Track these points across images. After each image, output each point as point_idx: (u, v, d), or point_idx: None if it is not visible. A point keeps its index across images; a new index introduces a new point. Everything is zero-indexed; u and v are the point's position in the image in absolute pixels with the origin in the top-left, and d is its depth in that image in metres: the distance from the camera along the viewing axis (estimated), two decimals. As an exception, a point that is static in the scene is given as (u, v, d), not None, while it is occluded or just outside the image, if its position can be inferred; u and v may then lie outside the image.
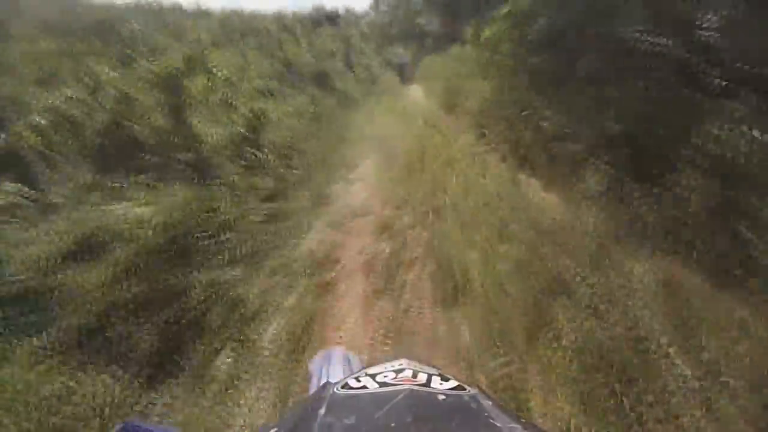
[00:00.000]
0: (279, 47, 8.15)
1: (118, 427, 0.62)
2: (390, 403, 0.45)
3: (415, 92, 8.57)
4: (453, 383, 0.51)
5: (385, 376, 0.53)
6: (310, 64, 7.82)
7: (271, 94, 5.94)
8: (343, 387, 0.52)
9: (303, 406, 0.51)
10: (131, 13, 7.20)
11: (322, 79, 7.51)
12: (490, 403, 0.47)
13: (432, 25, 13.46)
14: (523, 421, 0.46)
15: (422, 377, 0.53)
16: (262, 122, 4.72)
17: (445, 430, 0.41)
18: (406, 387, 0.49)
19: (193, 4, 9.65)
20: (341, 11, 14.46)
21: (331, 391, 0.50)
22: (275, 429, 0.46)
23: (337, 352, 1.30)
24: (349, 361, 1.23)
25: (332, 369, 1.15)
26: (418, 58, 11.40)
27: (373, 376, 0.53)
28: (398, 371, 0.55)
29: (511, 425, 0.43)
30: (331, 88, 7.48)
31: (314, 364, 1.26)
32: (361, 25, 14.91)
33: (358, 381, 0.53)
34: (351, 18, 15.30)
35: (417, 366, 0.59)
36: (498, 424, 0.42)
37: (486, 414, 0.44)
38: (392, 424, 0.41)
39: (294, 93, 6.36)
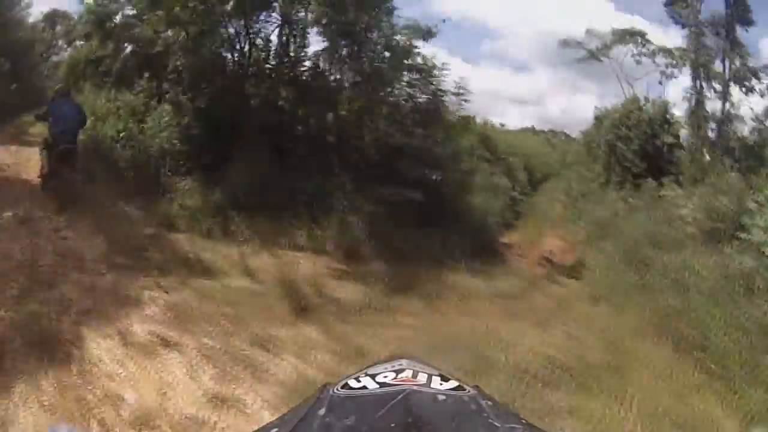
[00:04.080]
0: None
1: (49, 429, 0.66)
2: (390, 404, 0.45)
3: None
4: (453, 383, 0.52)
5: (385, 377, 0.53)
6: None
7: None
8: (342, 387, 0.52)
9: (302, 407, 0.51)
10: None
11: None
12: (490, 403, 0.47)
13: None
14: (524, 421, 0.46)
15: (422, 377, 0.53)
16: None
17: (444, 430, 0.42)
18: (406, 387, 0.49)
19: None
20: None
21: (330, 392, 0.50)
22: (275, 430, 0.46)
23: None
24: None
25: None
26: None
27: (373, 376, 0.54)
28: (398, 371, 0.55)
29: (510, 425, 0.43)
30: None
31: None
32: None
33: (358, 381, 0.53)
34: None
35: (417, 366, 0.59)
36: (498, 425, 0.42)
37: (486, 414, 0.44)
38: (392, 425, 0.41)
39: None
